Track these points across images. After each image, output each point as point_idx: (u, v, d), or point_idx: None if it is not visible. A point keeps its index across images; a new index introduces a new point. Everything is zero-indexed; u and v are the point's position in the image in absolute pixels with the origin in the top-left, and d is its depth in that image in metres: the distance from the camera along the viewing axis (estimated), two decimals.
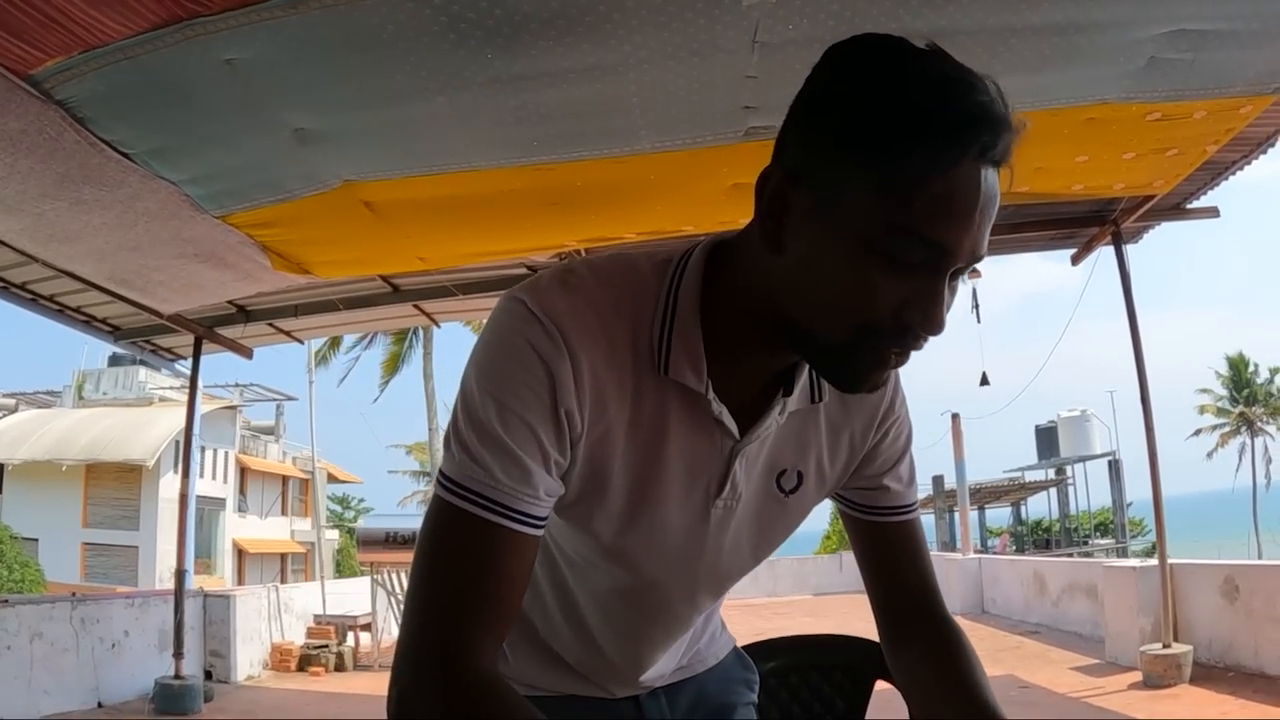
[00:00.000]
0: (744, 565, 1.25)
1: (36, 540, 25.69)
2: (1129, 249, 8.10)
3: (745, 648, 1.98)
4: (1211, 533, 43.74)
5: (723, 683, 1.49)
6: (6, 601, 8.19)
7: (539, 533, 1.01)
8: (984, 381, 15.13)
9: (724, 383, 1.06)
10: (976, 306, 13.17)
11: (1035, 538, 32.27)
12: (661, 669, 1.37)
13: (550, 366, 0.97)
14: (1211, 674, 7.85)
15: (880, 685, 2.00)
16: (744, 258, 1.02)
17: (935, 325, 0.92)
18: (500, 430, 0.97)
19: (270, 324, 8.93)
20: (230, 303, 8.21)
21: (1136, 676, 8.15)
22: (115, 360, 31.64)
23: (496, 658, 0.98)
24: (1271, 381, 46.93)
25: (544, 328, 0.97)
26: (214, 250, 6.16)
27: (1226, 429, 47.35)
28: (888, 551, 1.28)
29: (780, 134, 0.97)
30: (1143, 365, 8.05)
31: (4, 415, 31.08)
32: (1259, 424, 46.26)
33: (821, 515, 30.11)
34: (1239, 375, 47.23)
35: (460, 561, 0.98)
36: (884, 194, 0.87)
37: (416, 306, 8.87)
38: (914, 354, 0.98)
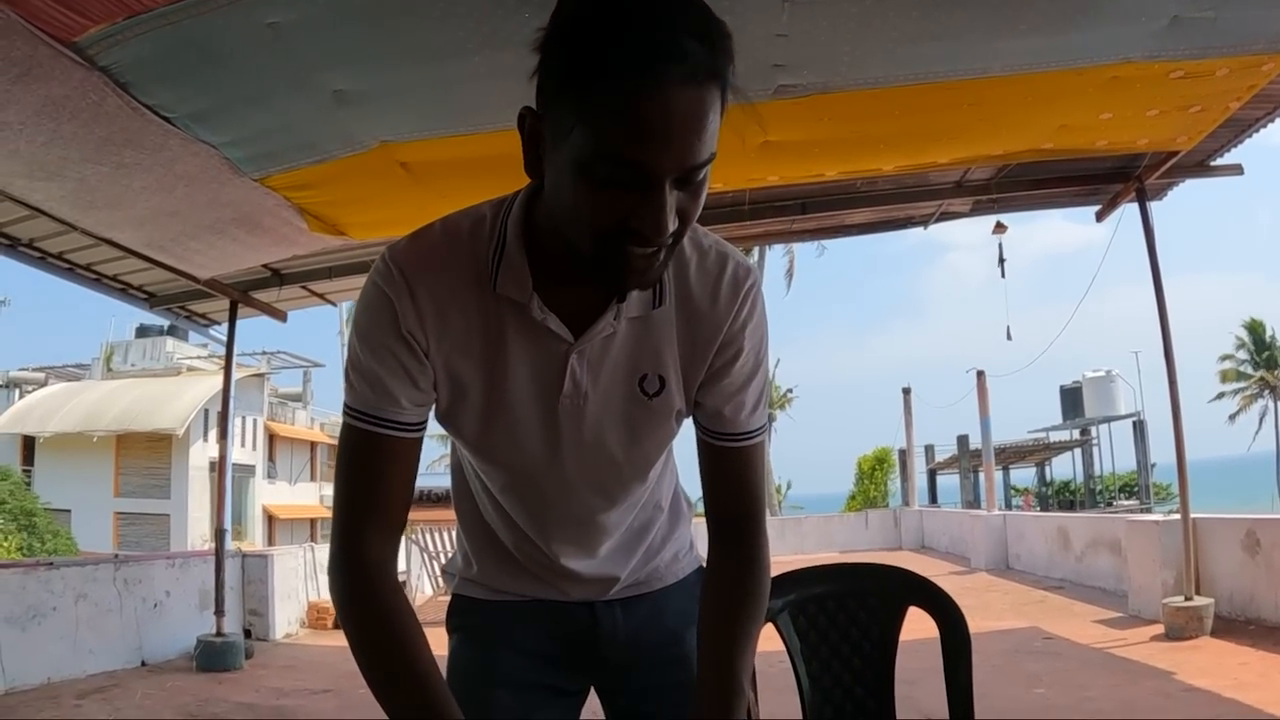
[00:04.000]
0: (617, 465, 1.40)
1: (69, 511, 26.14)
2: (1154, 206, 8.11)
3: (784, 575, 2.09)
4: (1234, 497, 43.62)
5: (683, 601, 1.59)
6: (51, 564, 8.29)
7: (415, 435, 1.27)
8: (1008, 337, 15.12)
9: (556, 294, 1.23)
10: (1003, 261, 13.02)
11: (1059, 499, 32.27)
12: (606, 569, 1.52)
13: (392, 298, 1.21)
14: (1233, 627, 7.92)
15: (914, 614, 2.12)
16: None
17: (658, 231, 1.04)
18: (367, 357, 1.23)
19: (304, 286, 9.04)
20: (265, 266, 8.31)
21: (1159, 629, 8.23)
22: (142, 331, 31.91)
23: (385, 541, 1.26)
24: None
25: (390, 269, 1.21)
26: (251, 213, 6.27)
27: (1248, 392, 47.15)
28: (720, 472, 1.41)
29: None
30: (1166, 322, 8.07)
31: (34, 389, 31.48)
32: None
33: (846, 478, 30.25)
34: (1258, 339, 46.98)
35: (353, 467, 1.26)
36: (583, 124, 0.99)
37: None
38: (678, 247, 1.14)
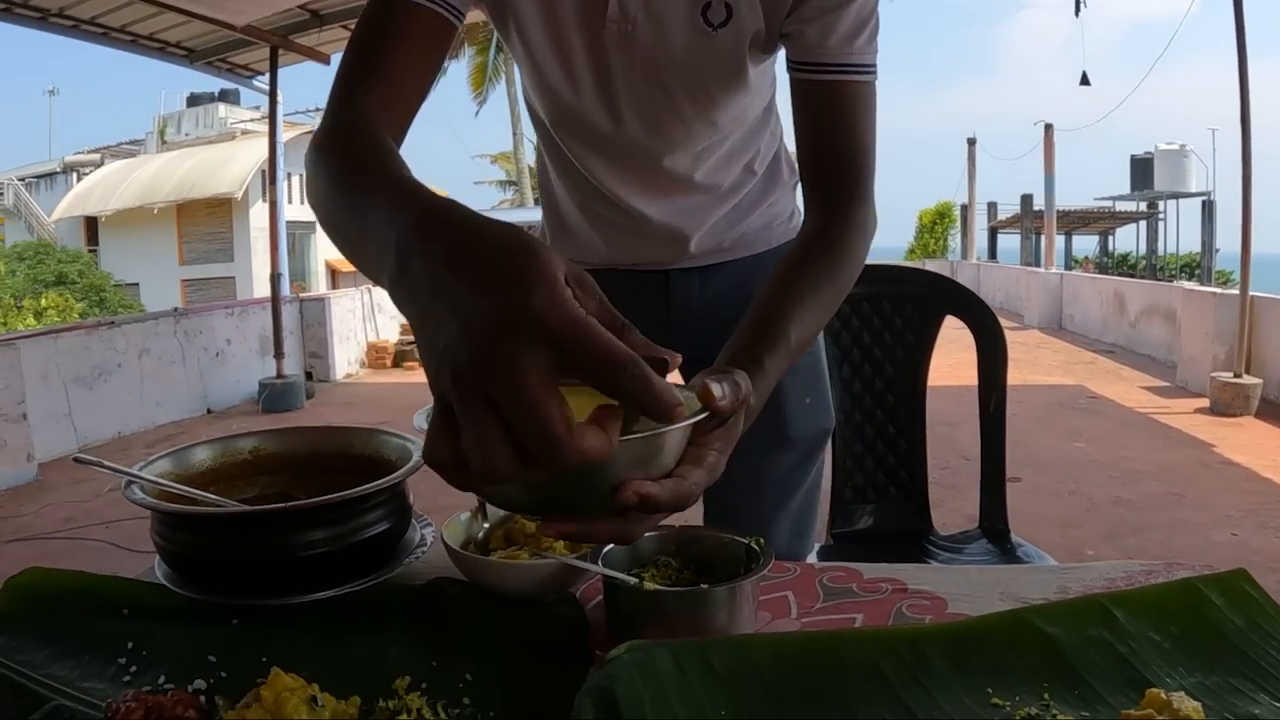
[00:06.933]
0: (676, 104, 1.23)
1: (137, 285, 26.84)
2: None
3: None
4: None
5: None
6: (113, 323, 8.46)
7: (443, 12, 1.05)
8: (1084, 81, 14.39)
9: None
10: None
11: (1120, 271, 31.47)
12: (678, 221, 1.38)
13: None
14: (1279, 410, 7.91)
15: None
16: None
17: None
18: None
19: (344, 26, 8.63)
20: (302, 8, 8.04)
21: (1204, 403, 8.25)
22: (194, 100, 31.69)
23: (388, 110, 1.01)
24: None
25: None
26: None
27: None
28: (811, 113, 1.13)
29: None
30: (1246, 85, 7.60)
31: (91, 171, 31.62)
32: None
33: (907, 232, 29.72)
34: None
35: (369, 33, 1.04)
36: None
37: None
38: None
